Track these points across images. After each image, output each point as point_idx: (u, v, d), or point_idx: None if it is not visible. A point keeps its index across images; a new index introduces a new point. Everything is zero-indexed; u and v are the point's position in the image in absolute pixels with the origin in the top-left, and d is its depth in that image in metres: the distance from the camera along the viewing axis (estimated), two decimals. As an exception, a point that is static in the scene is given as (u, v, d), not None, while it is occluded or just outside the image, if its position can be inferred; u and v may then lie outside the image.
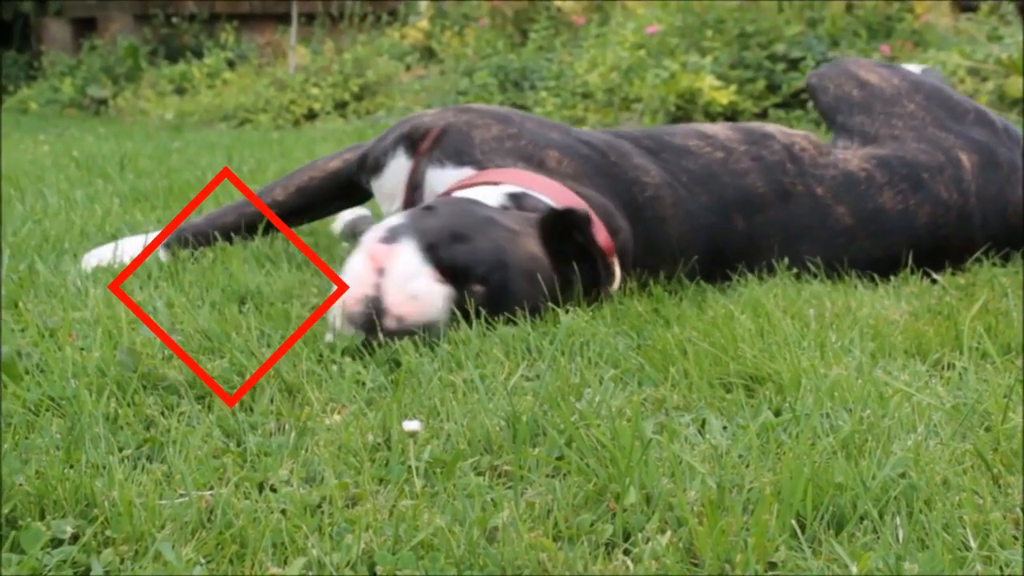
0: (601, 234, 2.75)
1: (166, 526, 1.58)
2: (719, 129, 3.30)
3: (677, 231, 3.02)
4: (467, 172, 2.99)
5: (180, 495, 1.69)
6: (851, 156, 3.30)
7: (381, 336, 2.41)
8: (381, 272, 2.47)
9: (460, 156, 3.03)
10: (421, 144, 3.09)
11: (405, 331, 2.42)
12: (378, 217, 3.53)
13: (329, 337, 2.44)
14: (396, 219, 2.63)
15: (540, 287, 2.59)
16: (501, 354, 2.37)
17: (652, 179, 3.04)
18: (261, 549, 1.52)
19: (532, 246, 2.63)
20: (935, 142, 3.37)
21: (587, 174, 2.99)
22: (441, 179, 3.03)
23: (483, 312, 2.50)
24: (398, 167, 3.16)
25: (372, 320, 2.41)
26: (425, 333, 2.43)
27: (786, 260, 3.11)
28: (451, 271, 2.51)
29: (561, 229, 2.68)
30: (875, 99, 3.53)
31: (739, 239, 3.10)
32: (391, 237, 2.54)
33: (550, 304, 2.62)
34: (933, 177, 3.28)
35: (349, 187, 3.37)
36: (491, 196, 2.80)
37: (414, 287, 2.46)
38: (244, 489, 1.72)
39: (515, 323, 2.50)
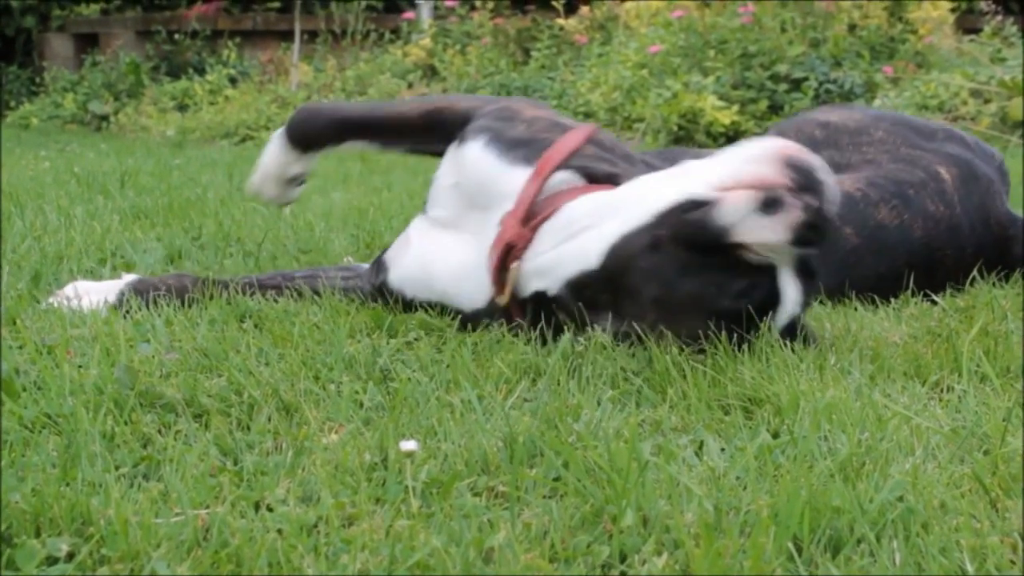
0: None
1: (162, 545, 1.57)
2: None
3: None
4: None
5: (176, 514, 1.68)
6: (842, 180, 3.24)
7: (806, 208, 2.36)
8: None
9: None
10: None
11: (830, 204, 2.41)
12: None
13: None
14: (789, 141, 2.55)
15: None
16: (507, 369, 2.37)
17: None
18: (257, 569, 1.52)
19: None
20: (910, 160, 3.38)
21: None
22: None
23: None
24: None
25: (813, 174, 2.39)
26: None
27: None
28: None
29: None
30: (840, 133, 3.52)
31: None
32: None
33: None
34: (918, 192, 3.28)
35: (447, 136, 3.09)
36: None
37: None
38: (240, 508, 1.72)
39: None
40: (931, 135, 3.53)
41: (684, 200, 2.41)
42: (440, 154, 3.04)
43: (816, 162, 2.41)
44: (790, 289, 2.46)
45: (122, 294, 2.98)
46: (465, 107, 3.05)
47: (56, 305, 2.91)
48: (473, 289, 2.80)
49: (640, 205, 2.48)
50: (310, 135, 3.23)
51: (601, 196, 2.63)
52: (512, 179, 2.77)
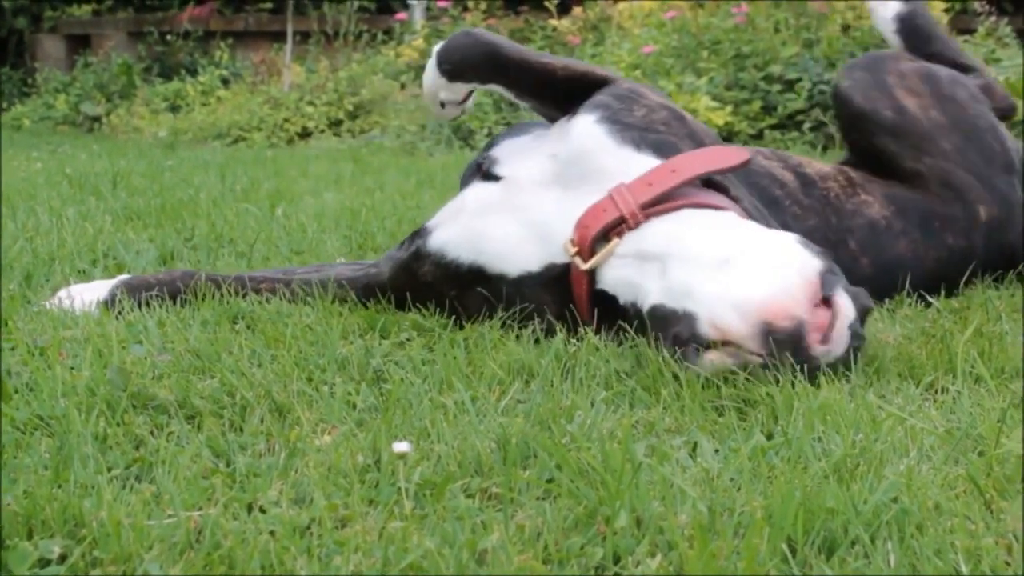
0: None
1: (154, 547, 1.57)
2: (783, 171, 3.17)
3: None
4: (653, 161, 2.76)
5: (169, 516, 1.68)
6: (872, 199, 3.20)
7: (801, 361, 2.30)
8: (821, 306, 2.36)
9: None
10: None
11: (816, 364, 2.32)
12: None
13: (706, 362, 2.33)
14: (820, 256, 2.47)
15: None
16: (499, 370, 2.37)
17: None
18: (249, 571, 1.52)
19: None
20: (958, 191, 3.28)
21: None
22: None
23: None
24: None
25: (795, 342, 2.30)
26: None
27: None
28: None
29: None
30: (909, 129, 3.34)
31: None
32: (829, 284, 2.39)
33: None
34: (944, 226, 3.21)
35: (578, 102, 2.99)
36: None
37: (844, 334, 2.35)
38: (233, 510, 1.72)
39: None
40: (991, 160, 3.38)
41: (692, 329, 2.34)
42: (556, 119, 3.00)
43: (808, 322, 2.33)
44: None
45: (114, 293, 2.98)
46: (602, 75, 2.99)
47: (49, 307, 2.91)
48: (530, 254, 2.77)
49: (684, 290, 2.42)
50: (461, 64, 3.00)
51: (685, 238, 2.55)
52: (615, 158, 2.75)
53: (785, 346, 2.28)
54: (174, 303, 2.96)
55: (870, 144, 3.36)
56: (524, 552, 1.58)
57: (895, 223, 3.19)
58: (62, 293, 3.01)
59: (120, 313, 2.88)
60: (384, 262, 3.10)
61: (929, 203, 3.25)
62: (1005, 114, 3.67)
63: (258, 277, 3.10)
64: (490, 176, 2.93)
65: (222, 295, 2.96)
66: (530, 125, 3.11)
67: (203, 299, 2.95)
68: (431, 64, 3.04)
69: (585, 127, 2.81)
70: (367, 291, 3.05)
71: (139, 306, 2.93)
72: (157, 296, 2.98)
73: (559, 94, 2.96)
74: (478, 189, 2.94)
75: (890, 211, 3.20)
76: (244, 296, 2.98)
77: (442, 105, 3.13)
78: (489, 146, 3.07)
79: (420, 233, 2.99)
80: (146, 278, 3.08)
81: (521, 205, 2.81)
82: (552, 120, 3.01)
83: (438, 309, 2.89)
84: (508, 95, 3.02)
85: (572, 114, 2.89)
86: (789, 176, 3.15)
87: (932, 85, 3.45)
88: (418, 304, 2.92)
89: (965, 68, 3.68)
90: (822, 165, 3.30)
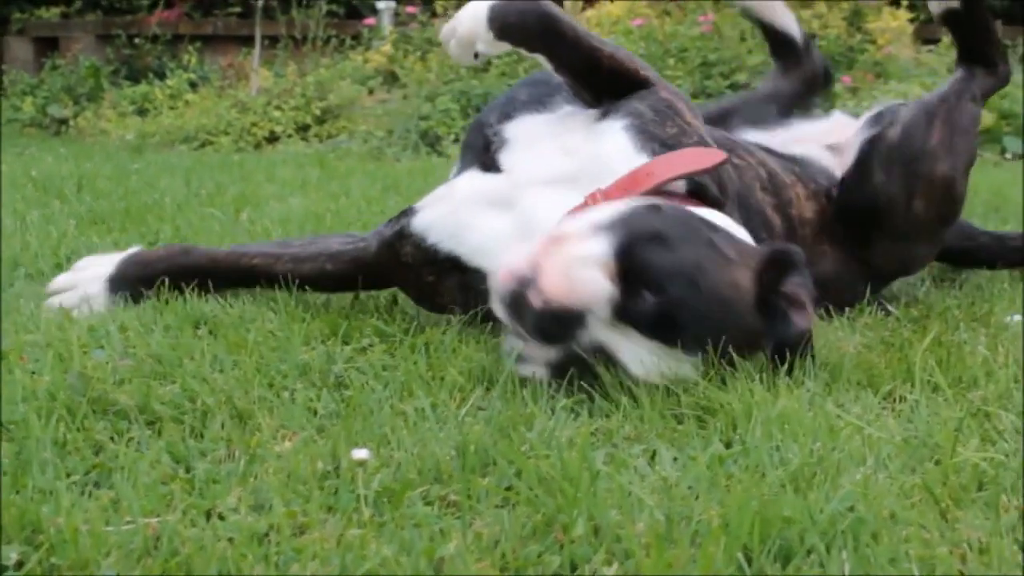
0: None
1: (112, 554, 1.57)
2: (773, 213, 3.11)
3: None
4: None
5: (127, 522, 1.68)
6: (831, 253, 3.19)
7: (526, 320, 2.27)
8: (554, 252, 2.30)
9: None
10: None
11: (549, 313, 2.24)
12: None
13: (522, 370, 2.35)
14: (612, 210, 2.42)
15: (736, 320, 2.39)
16: (460, 377, 2.37)
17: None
18: (206, 578, 1.52)
19: (741, 276, 2.42)
20: (913, 262, 3.38)
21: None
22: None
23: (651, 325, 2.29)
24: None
25: (516, 299, 2.27)
26: (575, 327, 2.27)
27: None
28: (633, 273, 2.30)
29: (775, 273, 2.48)
30: (905, 230, 3.26)
31: None
32: (596, 230, 2.35)
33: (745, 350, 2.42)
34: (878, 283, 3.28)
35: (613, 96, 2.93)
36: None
37: (575, 272, 2.27)
38: (191, 517, 1.71)
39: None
40: (949, 228, 3.40)
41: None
42: (587, 103, 2.94)
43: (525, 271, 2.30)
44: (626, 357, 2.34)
45: (120, 270, 3.12)
46: (644, 76, 2.91)
47: (61, 282, 3.11)
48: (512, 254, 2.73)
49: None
50: (515, 27, 2.85)
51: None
52: (626, 163, 2.69)
53: (514, 308, 2.29)
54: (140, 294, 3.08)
55: (865, 233, 3.25)
56: (482, 560, 1.58)
57: (840, 284, 3.16)
58: (79, 264, 3.17)
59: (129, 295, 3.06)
60: (372, 236, 3.07)
61: (878, 270, 3.29)
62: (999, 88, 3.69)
63: (252, 252, 3.12)
64: (492, 164, 2.87)
65: (186, 299, 2.97)
66: (554, 92, 3.02)
67: (166, 303, 2.94)
68: (478, 17, 2.86)
69: (611, 131, 2.77)
70: (355, 264, 3.04)
71: (144, 292, 3.08)
72: (160, 281, 3.09)
73: (599, 82, 2.89)
74: (474, 177, 2.89)
75: (841, 269, 3.20)
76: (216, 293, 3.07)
77: (475, 56, 2.93)
78: (506, 114, 2.98)
79: (407, 212, 2.96)
80: (148, 255, 3.18)
81: (515, 202, 2.76)
82: (584, 102, 2.95)
83: (416, 296, 2.97)
84: (547, 65, 2.91)
85: (604, 112, 2.85)
86: (778, 220, 3.10)
87: (947, 191, 3.29)
88: (400, 285, 3.02)
89: (993, 63, 3.57)
90: (806, 207, 3.23)
